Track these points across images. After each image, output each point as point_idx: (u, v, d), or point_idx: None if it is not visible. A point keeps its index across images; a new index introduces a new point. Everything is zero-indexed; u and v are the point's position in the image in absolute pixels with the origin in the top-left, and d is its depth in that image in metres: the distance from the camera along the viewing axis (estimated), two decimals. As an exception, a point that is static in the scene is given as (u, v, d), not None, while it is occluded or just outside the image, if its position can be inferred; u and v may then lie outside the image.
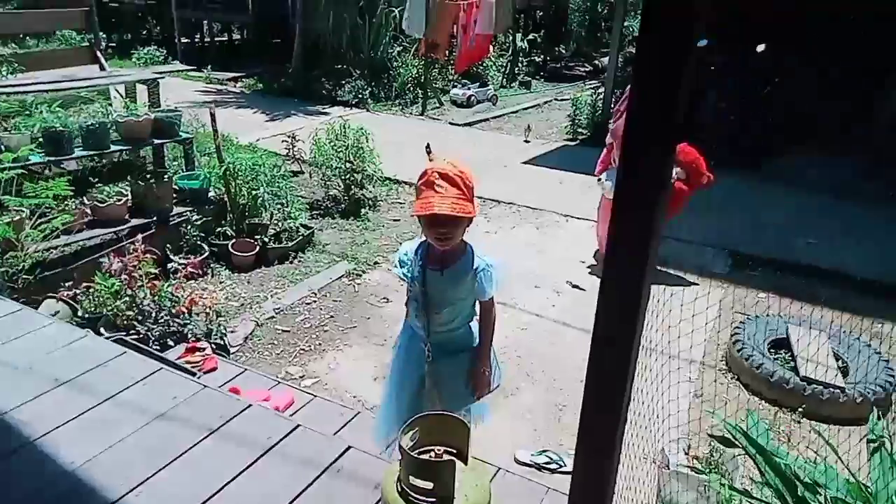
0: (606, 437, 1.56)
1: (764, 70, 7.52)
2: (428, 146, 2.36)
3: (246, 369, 3.16)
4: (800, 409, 3.38)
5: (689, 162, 4.69)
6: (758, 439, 1.97)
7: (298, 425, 2.29)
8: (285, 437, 2.22)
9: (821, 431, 3.12)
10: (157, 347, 3.29)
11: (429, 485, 1.62)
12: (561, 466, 3.04)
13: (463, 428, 1.78)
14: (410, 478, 1.64)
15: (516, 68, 12.91)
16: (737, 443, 1.96)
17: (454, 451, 1.79)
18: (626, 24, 10.75)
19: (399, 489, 1.68)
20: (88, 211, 4.53)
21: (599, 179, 5.29)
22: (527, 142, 8.81)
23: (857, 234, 5.64)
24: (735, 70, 7.63)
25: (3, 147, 4.30)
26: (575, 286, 4.81)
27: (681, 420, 3.12)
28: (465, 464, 1.76)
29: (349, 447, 2.19)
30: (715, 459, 2.62)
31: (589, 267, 5.72)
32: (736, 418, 3.17)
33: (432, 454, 1.73)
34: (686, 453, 2.78)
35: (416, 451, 1.75)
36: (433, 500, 1.63)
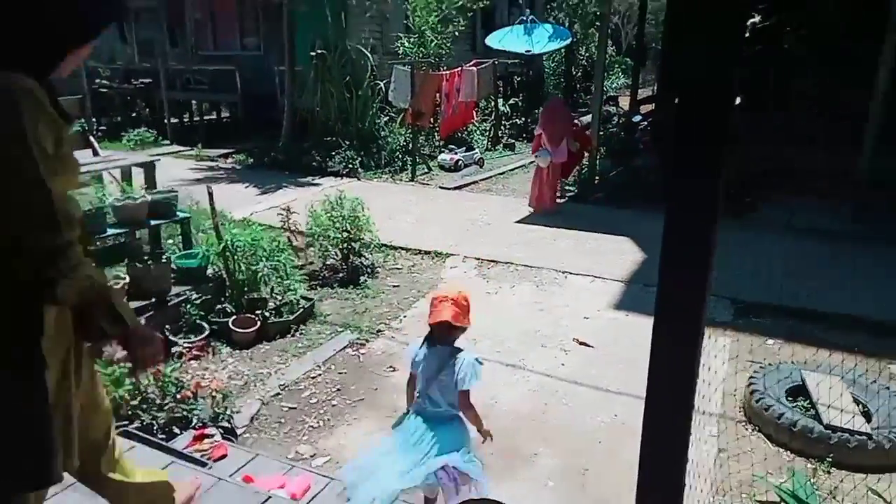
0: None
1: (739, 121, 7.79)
2: None
3: (257, 454, 3.04)
4: (827, 459, 3.29)
5: (581, 138, 8.51)
6: (807, 500, 1.90)
7: (322, 513, 2.18)
8: (309, 527, 2.11)
9: (854, 482, 3.04)
10: (163, 437, 3.17)
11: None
12: (591, 536, 2.92)
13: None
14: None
15: (500, 131, 13.22)
16: (783, 504, 1.89)
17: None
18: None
19: (441, 579, 1.58)
20: (86, 297, 4.46)
21: (535, 156, 8.22)
22: None
23: (856, 277, 5.67)
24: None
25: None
26: (582, 343, 4.75)
27: (708, 477, 3.03)
28: (507, 546, 1.67)
29: (378, 534, 2.08)
30: (753, 520, 2.53)
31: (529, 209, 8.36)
32: (764, 471, 3.09)
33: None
34: (722, 515, 2.68)
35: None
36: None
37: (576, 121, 9.82)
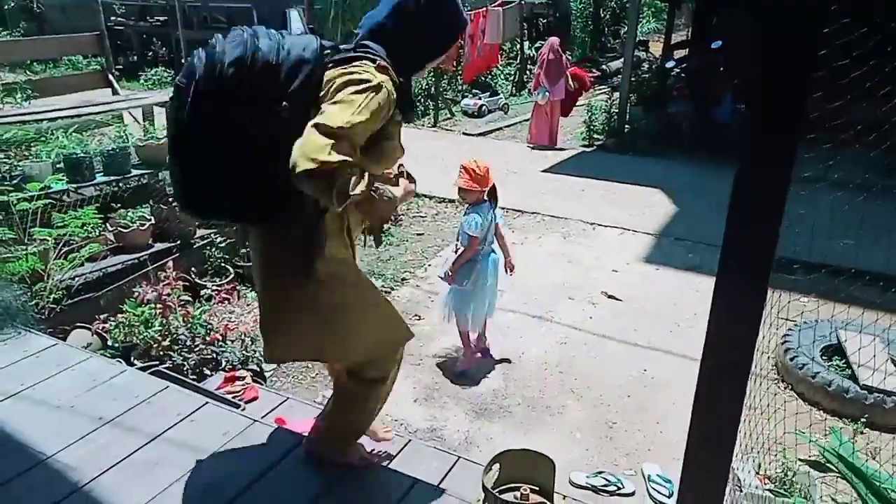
0: (714, 476, 1.46)
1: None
2: None
3: (288, 398, 3.05)
4: (862, 420, 3.24)
5: (579, 78, 9.01)
6: (850, 459, 1.84)
7: (357, 460, 2.17)
8: (344, 473, 2.10)
9: (888, 442, 2.99)
10: (195, 377, 3.18)
11: (520, 528, 1.51)
12: (620, 489, 2.91)
13: (546, 463, 1.67)
14: (499, 521, 1.53)
15: (525, 76, 12.84)
16: (832, 466, 1.84)
17: (537, 489, 1.67)
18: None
19: (485, 533, 1.57)
20: (111, 238, 4.44)
21: (534, 93, 8.93)
22: None
23: (893, 233, 5.49)
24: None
25: (24, 176, 4.23)
26: (611, 297, 4.68)
27: (740, 435, 2.99)
28: (551, 502, 1.64)
29: (414, 482, 2.07)
30: (789, 479, 2.49)
31: (530, 144, 9.15)
32: (796, 430, 3.04)
33: (517, 493, 1.61)
34: (756, 472, 2.65)
35: (499, 488, 1.64)
36: (524, 544, 1.52)
37: (593, 75, 10.49)
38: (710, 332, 1.34)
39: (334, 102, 1.52)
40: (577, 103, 9.86)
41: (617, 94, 9.29)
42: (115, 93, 7.05)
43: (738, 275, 1.29)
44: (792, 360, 3.61)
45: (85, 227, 4.16)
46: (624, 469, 3.07)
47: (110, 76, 7.32)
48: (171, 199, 4.99)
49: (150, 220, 4.62)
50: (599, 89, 12.67)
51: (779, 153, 1.20)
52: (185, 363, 3.25)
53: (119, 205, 4.93)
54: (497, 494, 1.56)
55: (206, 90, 1.58)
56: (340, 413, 2.08)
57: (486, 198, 3.50)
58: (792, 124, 1.18)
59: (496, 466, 1.65)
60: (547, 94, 8.59)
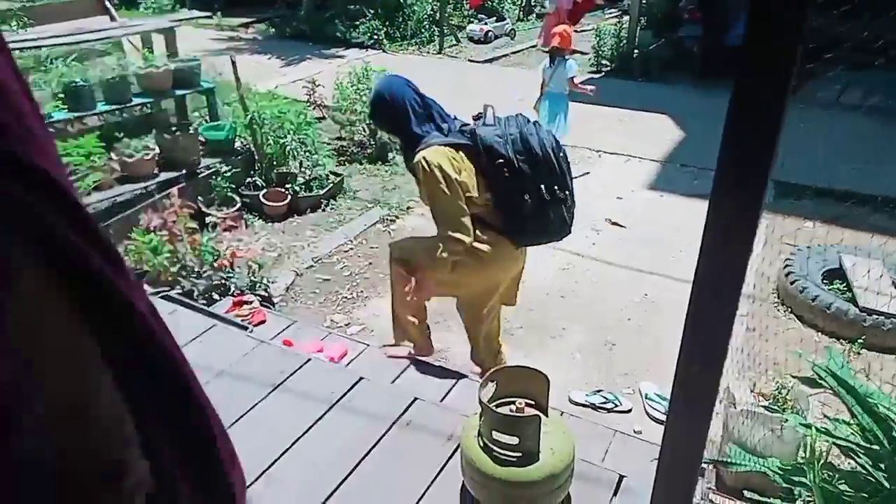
0: (705, 390, 1.50)
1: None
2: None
3: (295, 321, 3.13)
4: (860, 341, 3.29)
5: None
6: (844, 378, 1.89)
7: (361, 378, 2.25)
8: (349, 390, 2.18)
9: (884, 363, 3.05)
10: (204, 302, 3.26)
11: (513, 440, 1.57)
12: (617, 406, 3.01)
13: (541, 378, 1.73)
14: (493, 433, 1.59)
15: (532, 0, 12.37)
16: (823, 383, 1.88)
17: (533, 403, 1.73)
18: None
19: (481, 444, 1.63)
20: (117, 167, 4.45)
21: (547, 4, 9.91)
22: None
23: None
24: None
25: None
26: (614, 223, 4.68)
27: (738, 355, 3.05)
28: (546, 415, 1.71)
29: (415, 399, 2.15)
30: (783, 397, 2.56)
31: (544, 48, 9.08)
32: (795, 351, 3.11)
33: (513, 407, 1.67)
34: (752, 391, 2.72)
35: (495, 403, 1.70)
36: (519, 454, 1.58)
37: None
38: (704, 251, 1.35)
39: None
40: (585, 22, 10.18)
41: (627, 18, 8.96)
42: (113, 20, 6.87)
43: (734, 192, 1.28)
44: (793, 283, 3.64)
45: (90, 158, 4.17)
46: (622, 388, 3.16)
47: (107, 3, 7.11)
48: (173, 128, 4.96)
49: (154, 149, 4.61)
50: (610, 12, 12.21)
51: (777, 56, 1.15)
52: (195, 288, 3.32)
53: (122, 134, 4.91)
54: (493, 408, 1.62)
55: None
56: None
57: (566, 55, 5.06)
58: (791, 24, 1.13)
59: (492, 383, 1.71)
60: (555, 3, 9.25)
